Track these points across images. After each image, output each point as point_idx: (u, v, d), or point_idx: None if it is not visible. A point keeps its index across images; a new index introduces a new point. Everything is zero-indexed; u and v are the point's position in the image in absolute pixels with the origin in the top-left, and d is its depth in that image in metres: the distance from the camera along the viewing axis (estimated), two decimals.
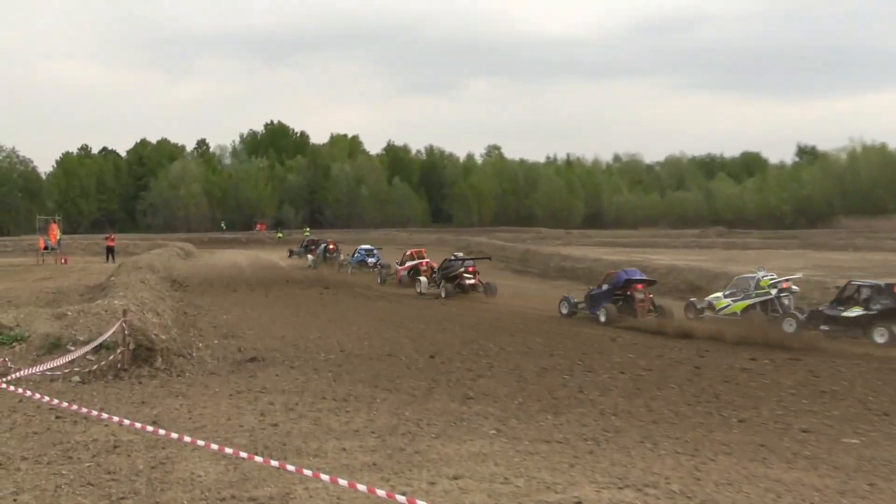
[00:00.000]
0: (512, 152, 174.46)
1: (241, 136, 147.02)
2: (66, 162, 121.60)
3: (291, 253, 66.60)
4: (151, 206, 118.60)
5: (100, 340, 13.37)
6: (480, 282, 29.57)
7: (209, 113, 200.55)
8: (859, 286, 19.97)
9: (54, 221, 54.20)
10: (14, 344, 13.89)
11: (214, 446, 5.91)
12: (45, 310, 16.62)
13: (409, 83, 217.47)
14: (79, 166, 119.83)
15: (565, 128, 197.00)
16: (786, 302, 21.81)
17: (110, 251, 51.86)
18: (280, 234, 76.40)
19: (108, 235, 56.79)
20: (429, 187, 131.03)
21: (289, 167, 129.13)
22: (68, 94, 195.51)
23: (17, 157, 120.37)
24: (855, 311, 19.32)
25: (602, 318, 22.42)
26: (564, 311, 23.93)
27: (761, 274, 22.90)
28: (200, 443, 6.02)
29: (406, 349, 16.86)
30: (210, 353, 16.14)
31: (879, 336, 18.44)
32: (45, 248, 50.86)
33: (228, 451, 5.91)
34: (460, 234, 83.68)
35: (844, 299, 19.98)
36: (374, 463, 8.48)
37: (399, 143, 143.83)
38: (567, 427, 10.35)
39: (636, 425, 10.50)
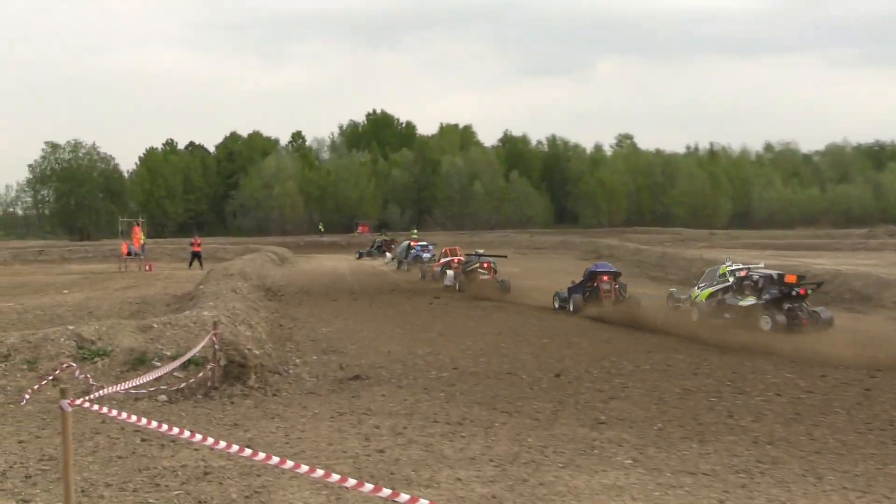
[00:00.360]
0: (646, 142, 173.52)
1: (341, 127, 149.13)
2: (149, 159, 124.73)
3: (360, 254, 67.56)
4: (242, 207, 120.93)
5: (188, 356, 13.65)
6: (495, 278, 34.93)
7: (305, 102, 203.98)
8: (756, 275, 23.40)
9: (137, 224, 55.29)
10: (96, 359, 14.31)
11: (319, 472, 5.95)
12: (129, 322, 17.05)
13: (529, 65, 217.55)
14: (164, 163, 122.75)
15: (708, 113, 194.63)
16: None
17: (196, 256, 52.65)
18: (384, 237, 77.34)
19: (193, 239, 57.44)
20: (551, 183, 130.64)
21: (393, 162, 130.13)
22: (152, 84, 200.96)
23: (98, 154, 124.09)
24: (749, 300, 22.95)
25: (570, 308, 27.33)
26: (556, 304, 28.68)
27: (728, 263, 26.00)
28: (302, 469, 6.06)
29: (528, 366, 16.80)
30: (308, 370, 16.36)
31: (765, 323, 21.72)
32: (128, 253, 51.97)
33: (332, 478, 5.93)
34: (588, 236, 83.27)
35: (745, 288, 23.41)
36: (493, 495, 8.45)
37: (517, 132, 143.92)
38: (715, 457, 10.15)
39: (796, 456, 10.23)
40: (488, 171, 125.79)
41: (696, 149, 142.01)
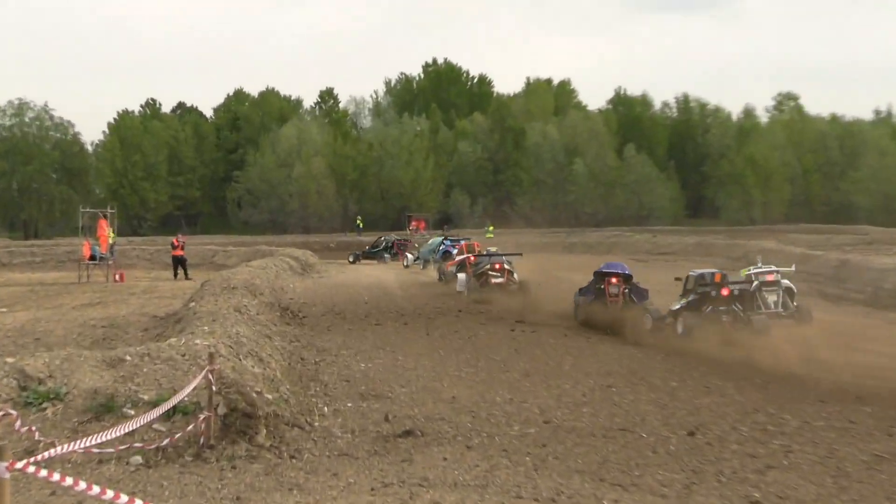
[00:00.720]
0: (817, 105, 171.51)
1: (388, 84, 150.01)
2: (122, 126, 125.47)
3: (356, 256, 69.10)
4: (250, 194, 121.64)
5: (173, 401, 13.66)
6: (511, 280, 40.24)
7: (339, 50, 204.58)
8: (694, 275, 29.01)
9: (105, 217, 55.29)
10: (45, 405, 14.33)
11: None
12: (92, 353, 17.09)
13: None
14: (142, 133, 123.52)
15: None
16: (768, 297, 28.58)
17: (179, 263, 52.92)
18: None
19: (175, 238, 56.27)
20: (682, 162, 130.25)
21: (461, 131, 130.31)
22: (126, 25, 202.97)
23: (51, 119, 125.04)
24: (679, 303, 28.40)
25: (575, 313, 32.35)
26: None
27: (759, 264, 30.68)
28: None
29: (650, 420, 16.71)
30: (341, 422, 16.37)
31: (679, 326, 27.06)
32: (92, 257, 52.13)
33: None
34: (734, 237, 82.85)
35: (686, 291, 28.80)
36: None
37: (633, 91, 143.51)
38: None
39: None
40: (594, 144, 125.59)
41: (890, 114, 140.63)
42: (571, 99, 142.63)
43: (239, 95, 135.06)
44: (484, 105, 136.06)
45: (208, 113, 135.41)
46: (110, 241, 52.96)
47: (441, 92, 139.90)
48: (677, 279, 31.01)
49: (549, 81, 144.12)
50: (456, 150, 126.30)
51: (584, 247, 74.35)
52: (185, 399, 13.87)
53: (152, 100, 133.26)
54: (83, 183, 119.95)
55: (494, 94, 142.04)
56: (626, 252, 69.80)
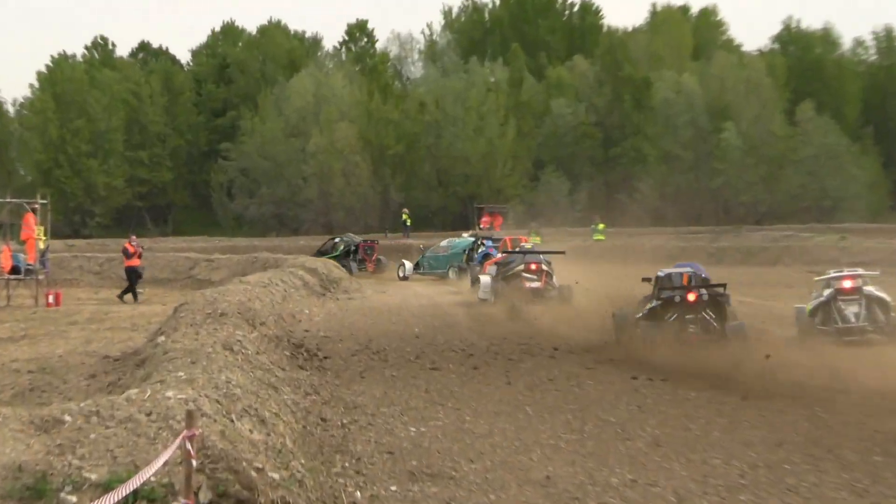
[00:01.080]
0: None
1: (447, 14, 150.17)
2: (58, 77, 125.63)
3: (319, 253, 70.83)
4: (245, 177, 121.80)
5: (134, 483, 13.58)
6: (550, 284, 45.68)
7: None
8: (659, 277, 33.57)
9: (31, 211, 55.30)
10: None
11: None
12: (14, 411, 17.11)
13: None
14: (87, 87, 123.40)
15: None
16: (846, 309, 32.82)
17: (134, 277, 52.77)
18: (537, 238, 76.91)
19: (128, 241, 55.71)
20: (884, 129, 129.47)
21: (556, 83, 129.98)
22: None
23: None
24: (643, 309, 32.82)
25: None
26: None
27: (841, 269, 36.30)
28: None
29: None
30: None
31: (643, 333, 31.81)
32: (14, 269, 52.27)
33: None
34: None
35: (652, 294, 33.21)
36: None
37: (811, 24, 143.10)
38: None
39: None
40: (752, 102, 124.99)
41: None
42: (718, 36, 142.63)
43: (229, 32, 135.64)
44: (589, 46, 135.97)
45: (184, 58, 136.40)
46: (41, 247, 52.98)
47: (525, 27, 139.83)
48: (645, 280, 34.51)
49: (684, 10, 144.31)
50: (548, 112, 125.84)
51: (740, 253, 74.10)
52: (152, 479, 13.79)
53: (102, 39, 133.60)
54: (2, 161, 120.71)
55: (605, 30, 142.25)
56: (803, 261, 69.54)
